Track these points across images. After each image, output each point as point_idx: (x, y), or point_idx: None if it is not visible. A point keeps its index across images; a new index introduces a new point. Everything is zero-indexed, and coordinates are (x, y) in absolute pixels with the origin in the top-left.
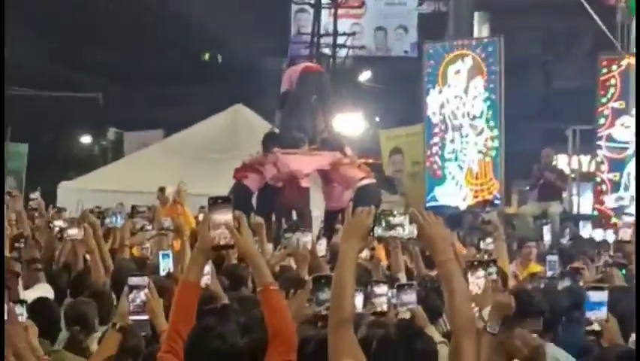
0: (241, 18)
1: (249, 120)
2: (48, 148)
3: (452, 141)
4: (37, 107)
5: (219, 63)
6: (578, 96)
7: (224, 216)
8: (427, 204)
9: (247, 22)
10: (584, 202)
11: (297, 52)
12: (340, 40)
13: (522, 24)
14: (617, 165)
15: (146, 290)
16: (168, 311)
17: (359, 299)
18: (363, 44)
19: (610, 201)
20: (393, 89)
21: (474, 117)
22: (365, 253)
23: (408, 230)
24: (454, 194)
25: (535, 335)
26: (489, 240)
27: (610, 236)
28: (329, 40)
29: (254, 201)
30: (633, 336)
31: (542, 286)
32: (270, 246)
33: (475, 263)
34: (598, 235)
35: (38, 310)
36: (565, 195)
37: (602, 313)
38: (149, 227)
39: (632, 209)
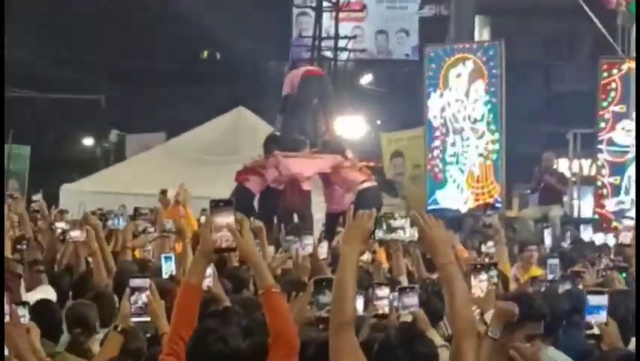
0: (243, 21)
1: (251, 123)
2: (50, 150)
3: (453, 145)
4: (39, 109)
5: (221, 66)
6: (578, 100)
7: (226, 218)
8: (428, 208)
9: (249, 25)
10: (584, 206)
11: (298, 55)
12: (341, 43)
13: (523, 28)
14: (617, 169)
15: (148, 292)
16: (170, 314)
17: (359, 302)
18: (364, 48)
19: (611, 205)
20: (394, 92)
21: (475, 121)
22: (367, 256)
23: (409, 233)
24: (455, 197)
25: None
26: (490, 243)
27: (611, 240)
28: (330, 43)
29: (255, 203)
30: (633, 340)
31: (543, 289)
32: (271, 248)
33: (478, 266)
34: (599, 238)
35: (40, 312)
36: (566, 198)
37: (602, 316)
38: (151, 229)
39: (633, 213)
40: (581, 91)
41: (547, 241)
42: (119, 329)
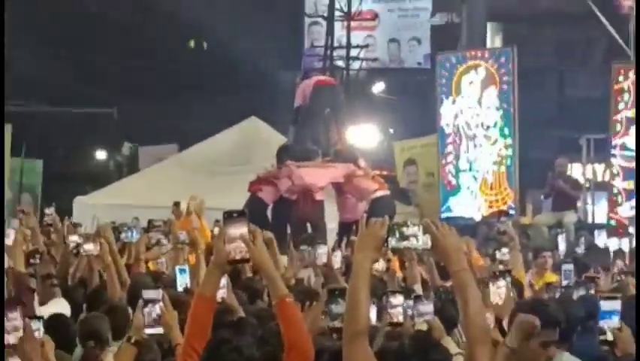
0: (255, 32)
1: (263, 133)
2: (63, 164)
3: (466, 152)
4: (51, 123)
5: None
6: (591, 105)
7: (240, 230)
8: (442, 215)
9: (261, 35)
10: (598, 211)
11: (310, 65)
12: (353, 52)
13: (535, 34)
14: (631, 174)
15: (161, 304)
16: (185, 325)
17: (373, 312)
18: (376, 56)
19: (624, 210)
20: (406, 100)
21: (488, 127)
22: (381, 265)
23: (422, 241)
24: (468, 204)
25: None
26: (505, 250)
27: (625, 245)
28: (342, 52)
29: (269, 213)
30: None
31: (558, 295)
32: (284, 258)
33: (497, 273)
34: (613, 243)
35: (54, 325)
36: (579, 204)
37: (614, 322)
38: (165, 241)
39: None
40: (594, 96)
41: (562, 247)
42: (132, 340)
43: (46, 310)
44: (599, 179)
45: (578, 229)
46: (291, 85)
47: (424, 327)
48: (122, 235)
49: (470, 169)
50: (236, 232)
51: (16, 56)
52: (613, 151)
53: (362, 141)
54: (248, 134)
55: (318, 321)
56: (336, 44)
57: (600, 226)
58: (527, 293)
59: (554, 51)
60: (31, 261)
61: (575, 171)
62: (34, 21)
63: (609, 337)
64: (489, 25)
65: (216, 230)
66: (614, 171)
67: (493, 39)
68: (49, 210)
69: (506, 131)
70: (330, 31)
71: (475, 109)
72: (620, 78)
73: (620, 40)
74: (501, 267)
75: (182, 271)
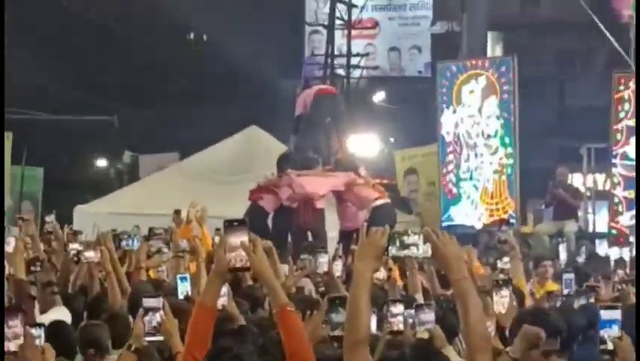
0: (255, 40)
1: (264, 142)
2: (64, 172)
3: (467, 161)
4: (52, 131)
5: (234, 85)
6: (592, 114)
7: (240, 238)
8: (443, 224)
9: (261, 44)
10: (599, 220)
11: (310, 73)
12: (354, 61)
13: (535, 43)
14: (631, 183)
15: (161, 312)
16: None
17: (373, 321)
18: (376, 65)
19: (625, 219)
20: (407, 109)
21: (488, 137)
22: (382, 274)
23: (422, 249)
24: (469, 213)
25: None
26: (506, 259)
27: (626, 254)
28: (343, 61)
29: (269, 222)
30: None
31: (559, 304)
32: (286, 267)
33: (500, 282)
34: (614, 253)
35: (55, 333)
36: (580, 213)
37: (615, 331)
38: (166, 249)
39: None
40: (595, 105)
41: (563, 256)
42: (132, 348)
43: (46, 318)
44: (600, 188)
45: (579, 238)
46: (291, 94)
47: (426, 336)
48: (123, 243)
49: (471, 178)
50: (236, 241)
51: (18, 64)
52: (614, 160)
53: (363, 149)
54: (249, 142)
55: (319, 330)
56: (336, 53)
57: (601, 235)
58: (528, 302)
59: (555, 60)
60: (32, 268)
61: (576, 180)
62: (35, 29)
63: (610, 346)
64: (489, 34)
65: (217, 239)
66: (615, 181)
67: (494, 48)
68: (50, 218)
69: (507, 140)
70: (330, 40)
71: (476, 118)
72: (621, 87)
73: (621, 50)
74: (502, 276)
75: (183, 279)
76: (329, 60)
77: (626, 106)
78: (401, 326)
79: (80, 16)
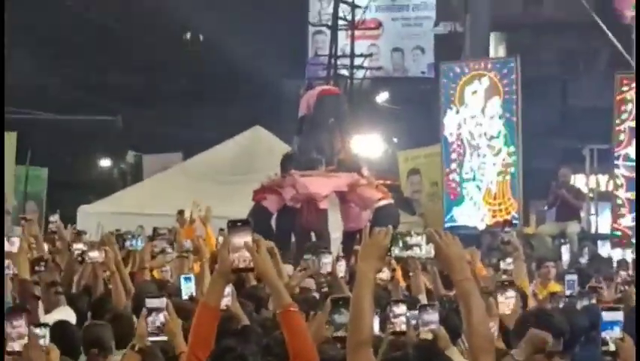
0: (259, 40)
1: (267, 142)
2: (68, 172)
3: (470, 161)
4: (56, 131)
5: (238, 85)
6: (595, 115)
7: (244, 238)
8: (446, 225)
9: (265, 44)
10: (602, 222)
11: (314, 73)
12: (357, 61)
13: (538, 43)
14: (634, 184)
15: (165, 312)
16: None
17: (376, 323)
18: (380, 65)
19: (628, 220)
20: (410, 109)
21: (491, 137)
22: (386, 274)
23: (425, 250)
24: (472, 214)
25: None
26: (509, 260)
27: (628, 255)
28: (346, 61)
29: (273, 222)
30: None
31: (561, 305)
32: (289, 267)
33: (505, 283)
34: (616, 254)
35: (59, 333)
36: (583, 214)
37: (616, 332)
38: (170, 249)
39: None
40: (597, 106)
41: (565, 257)
42: (136, 348)
43: (51, 318)
44: (603, 189)
45: (582, 239)
46: (294, 94)
47: (429, 337)
48: (127, 243)
49: (474, 179)
50: (240, 241)
51: (22, 64)
52: (616, 162)
53: (366, 150)
54: (252, 143)
55: (322, 331)
56: (339, 53)
57: (604, 237)
58: (531, 303)
59: (557, 61)
60: (36, 268)
61: (579, 181)
62: (39, 30)
63: (612, 348)
64: (492, 35)
65: (221, 239)
66: (618, 182)
67: (497, 48)
68: (54, 218)
69: (510, 141)
70: (333, 40)
71: (479, 119)
72: (624, 88)
73: (623, 50)
74: (504, 277)
75: (187, 279)
76: (332, 61)
77: (629, 107)
78: (404, 327)
79: (85, 17)
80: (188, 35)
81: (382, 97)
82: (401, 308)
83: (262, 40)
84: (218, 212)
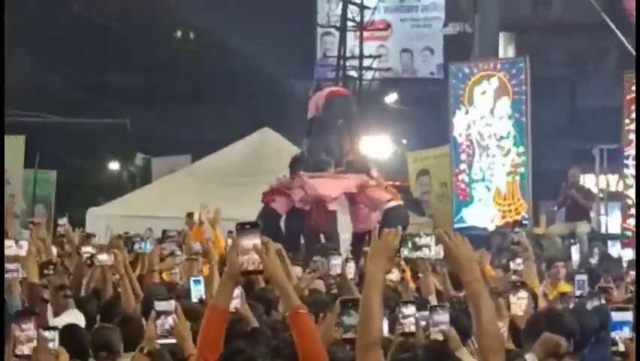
0: (268, 42)
1: (276, 144)
2: (76, 175)
3: (479, 162)
4: (65, 134)
5: (246, 86)
6: (604, 115)
7: (253, 241)
8: (455, 226)
9: (274, 45)
10: (612, 222)
11: (323, 75)
12: (366, 62)
13: (547, 44)
14: None
15: (174, 315)
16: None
17: (385, 324)
18: (389, 66)
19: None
20: (419, 110)
21: (501, 138)
22: (395, 275)
23: (434, 251)
24: (481, 215)
25: None
26: (518, 260)
27: None
28: (355, 62)
29: (282, 224)
30: None
31: (572, 305)
32: (298, 269)
33: (517, 284)
34: (627, 254)
35: (68, 336)
36: (593, 214)
37: (626, 333)
38: (179, 252)
39: None
40: (607, 106)
41: (575, 257)
42: (145, 351)
43: (60, 321)
44: (612, 189)
45: (592, 239)
46: (303, 95)
47: (439, 337)
48: (136, 246)
49: (483, 179)
50: (249, 244)
51: (30, 67)
52: (626, 161)
53: (375, 151)
54: (260, 145)
55: (331, 332)
56: (348, 54)
57: (614, 237)
58: (541, 303)
59: (566, 61)
60: (45, 272)
61: (588, 181)
62: (39, 30)
63: (621, 348)
64: (501, 36)
65: (229, 241)
66: (628, 182)
67: (506, 49)
68: (62, 221)
69: (519, 141)
70: (342, 42)
71: (488, 119)
72: (633, 88)
73: (632, 50)
74: (514, 277)
75: (196, 281)
76: (341, 62)
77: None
78: (413, 328)
79: (94, 20)
80: (191, 35)
81: (391, 98)
82: (410, 309)
83: (271, 43)
84: (226, 214)
